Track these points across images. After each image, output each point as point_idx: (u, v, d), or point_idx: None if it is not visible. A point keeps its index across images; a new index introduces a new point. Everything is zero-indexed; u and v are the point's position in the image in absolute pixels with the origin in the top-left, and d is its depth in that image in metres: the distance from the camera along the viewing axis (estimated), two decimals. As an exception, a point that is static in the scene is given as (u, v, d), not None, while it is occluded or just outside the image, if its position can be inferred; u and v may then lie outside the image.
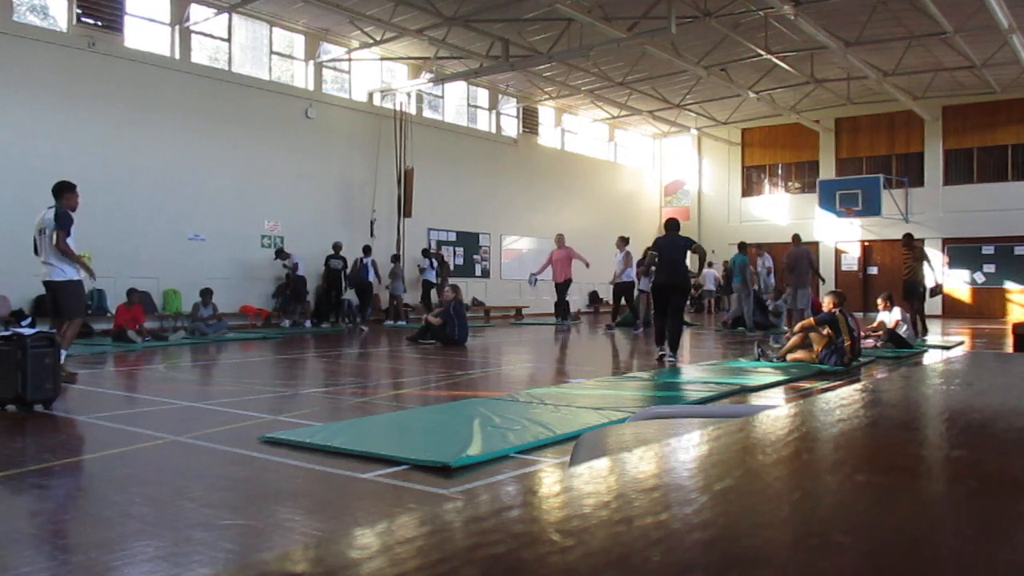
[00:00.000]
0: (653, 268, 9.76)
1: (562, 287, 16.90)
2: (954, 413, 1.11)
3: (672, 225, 10.14)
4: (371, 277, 16.50)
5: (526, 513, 0.56)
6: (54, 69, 13.25)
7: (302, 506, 3.53)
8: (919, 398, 1.27)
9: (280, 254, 15.96)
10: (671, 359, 9.36)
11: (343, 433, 4.83)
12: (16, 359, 5.64)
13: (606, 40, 15.83)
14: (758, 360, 9.23)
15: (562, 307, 17.16)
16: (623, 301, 16.13)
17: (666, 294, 9.60)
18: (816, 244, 23.14)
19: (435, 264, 18.04)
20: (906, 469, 0.74)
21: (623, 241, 15.88)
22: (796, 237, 14.97)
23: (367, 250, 16.71)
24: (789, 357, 9.04)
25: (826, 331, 8.72)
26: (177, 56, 15.16)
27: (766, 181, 26.42)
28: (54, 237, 7.42)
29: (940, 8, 14.66)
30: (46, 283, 7.67)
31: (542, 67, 19.05)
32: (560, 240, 17.08)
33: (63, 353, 7.56)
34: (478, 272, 21.42)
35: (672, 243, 9.69)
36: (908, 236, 14.14)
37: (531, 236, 23.02)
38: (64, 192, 7.73)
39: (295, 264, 15.76)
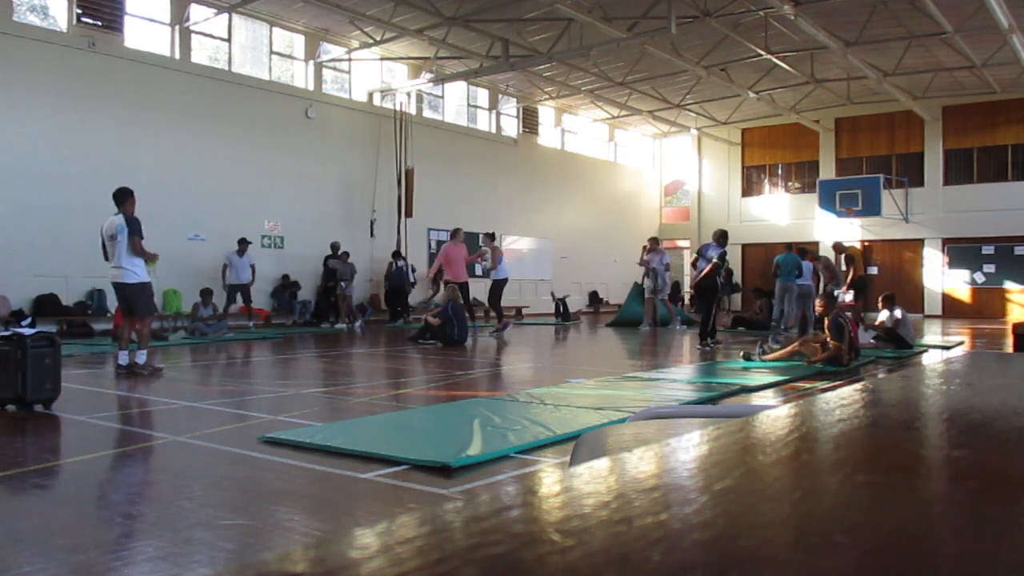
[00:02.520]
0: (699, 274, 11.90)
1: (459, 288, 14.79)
2: (954, 413, 1.11)
3: (714, 235, 12.05)
4: (411, 279, 17.52)
5: (526, 513, 0.56)
6: (54, 69, 13.25)
7: (302, 506, 3.53)
8: (919, 398, 1.27)
9: (242, 243, 14.77)
10: (707, 345, 11.34)
11: (343, 433, 4.83)
12: (16, 359, 5.63)
13: (606, 40, 15.83)
14: (748, 360, 9.17)
15: (498, 308, 15.07)
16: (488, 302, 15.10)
17: (699, 294, 12.14)
18: (816, 244, 23.12)
19: (410, 265, 17.92)
20: (906, 469, 0.74)
21: (490, 237, 15.03)
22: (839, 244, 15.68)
23: (397, 255, 17.57)
24: (770, 357, 9.09)
25: (831, 341, 8.69)
26: (177, 56, 15.16)
27: (766, 181, 26.42)
28: (130, 243, 7.92)
29: (940, 8, 14.66)
30: (117, 285, 8.09)
31: (542, 67, 19.05)
32: (456, 235, 15.14)
33: (142, 354, 7.97)
34: (478, 272, 21.41)
35: (704, 251, 11.99)
36: (838, 244, 15.26)
37: (531, 236, 23.02)
38: (127, 198, 8.15)
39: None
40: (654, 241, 16.67)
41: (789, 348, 9.28)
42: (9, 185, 12.69)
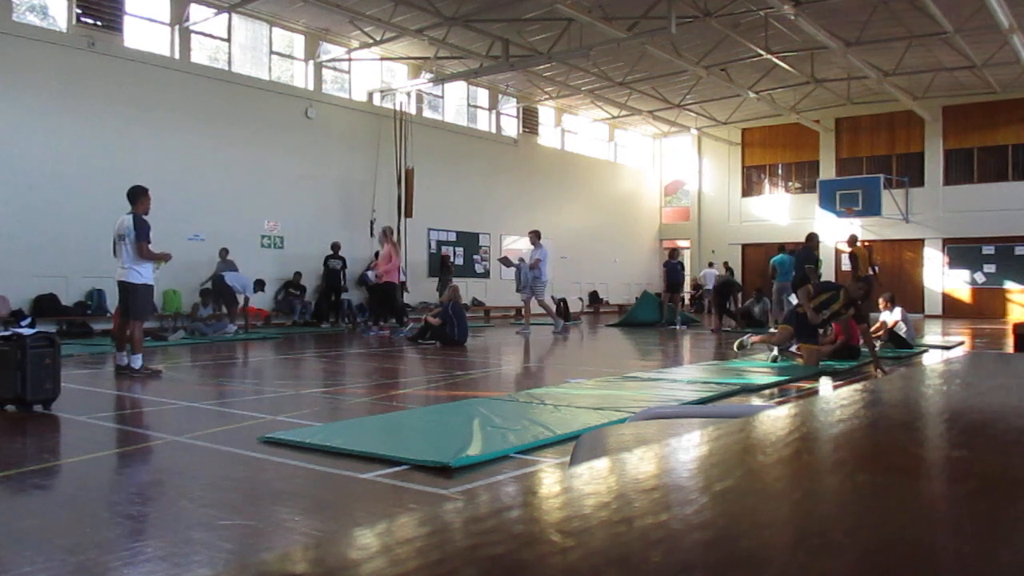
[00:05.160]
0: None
1: (383, 288, 14.42)
2: (954, 413, 1.11)
3: (806, 237, 12.16)
4: (403, 278, 17.13)
5: (526, 513, 0.56)
6: (54, 69, 13.25)
7: (302, 506, 3.53)
8: (919, 398, 1.27)
9: (222, 255, 14.62)
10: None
11: (343, 433, 4.83)
12: (16, 359, 5.63)
13: (606, 40, 15.83)
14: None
15: (380, 311, 14.76)
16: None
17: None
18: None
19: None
20: (906, 469, 0.74)
21: (387, 234, 14.34)
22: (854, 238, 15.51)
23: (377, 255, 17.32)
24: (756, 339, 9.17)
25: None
26: (177, 56, 15.16)
27: (766, 181, 26.42)
28: (136, 248, 7.92)
29: (940, 8, 14.65)
30: (120, 283, 8.10)
31: (542, 67, 19.05)
32: (384, 235, 14.59)
33: (137, 358, 7.91)
34: (478, 272, 21.43)
35: (796, 254, 12.36)
36: (853, 237, 15.16)
37: (531, 236, 23.00)
38: (139, 197, 8.14)
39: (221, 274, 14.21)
40: (534, 235, 15.10)
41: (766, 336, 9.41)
42: (9, 185, 12.69)
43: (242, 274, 14.38)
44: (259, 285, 14.99)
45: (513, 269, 15.03)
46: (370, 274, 15.61)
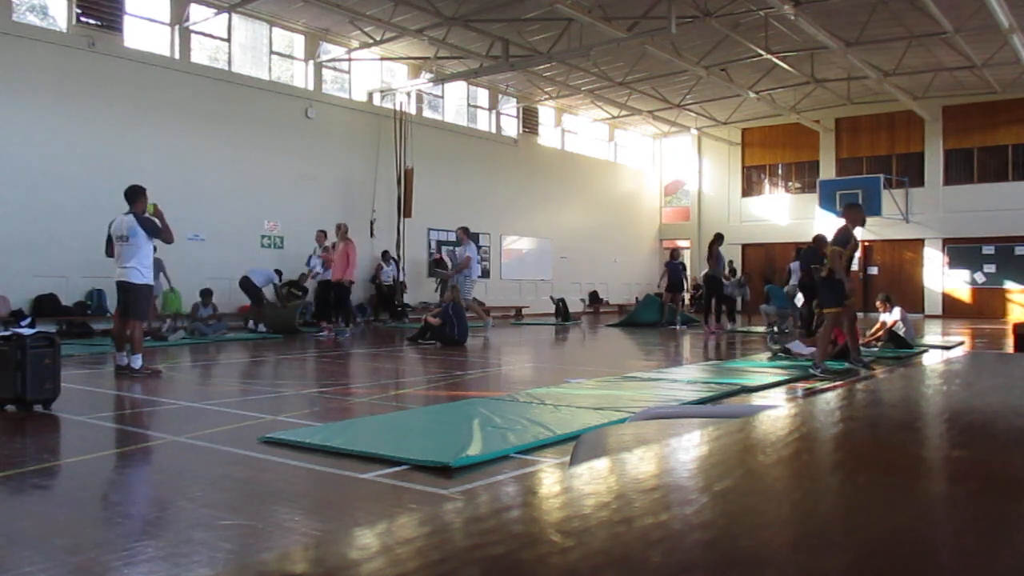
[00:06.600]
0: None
1: (337, 288, 14.12)
2: (954, 413, 1.11)
3: (813, 239, 11.95)
4: (401, 277, 17.87)
5: (526, 513, 0.56)
6: (54, 69, 13.25)
7: (302, 506, 3.53)
8: (919, 398, 1.27)
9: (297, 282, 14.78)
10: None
11: (343, 433, 4.83)
12: (16, 359, 5.63)
13: (606, 40, 15.83)
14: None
15: (342, 311, 14.46)
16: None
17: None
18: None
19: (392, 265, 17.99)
20: (906, 469, 0.74)
21: (344, 232, 14.16)
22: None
23: (386, 255, 17.80)
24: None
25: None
26: (177, 56, 15.16)
27: (766, 181, 26.42)
28: (159, 240, 8.08)
29: (940, 8, 14.65)
30: (120, 283, 8.10)
31: (542, 67, 19.05)
32: (339, 231, 14.28)
33: (137, 358, 7.92)
34: (478, 272, 21.41)
35: (803, 255, 12.29)
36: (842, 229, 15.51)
37: (531, 236, 23.02)
38: (138, 197, 8.17)
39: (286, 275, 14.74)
40: (463, 231, 14.89)
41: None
42: (9, 185, 12.68)
43: (263, 268, 14.82)
44: (279, 274, 15.52)
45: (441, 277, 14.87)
46: (315, 260, 15.45)
